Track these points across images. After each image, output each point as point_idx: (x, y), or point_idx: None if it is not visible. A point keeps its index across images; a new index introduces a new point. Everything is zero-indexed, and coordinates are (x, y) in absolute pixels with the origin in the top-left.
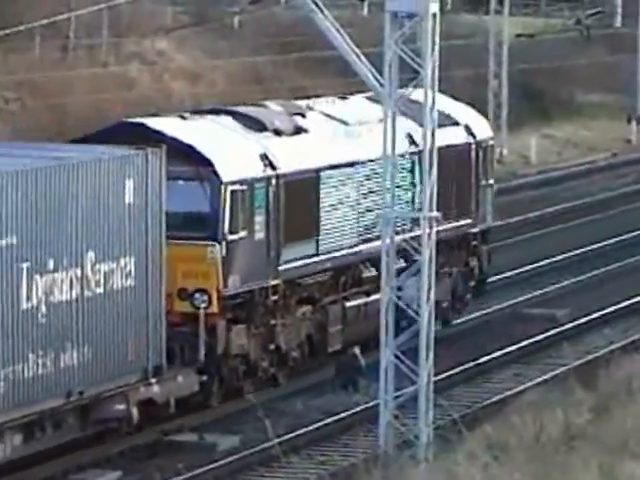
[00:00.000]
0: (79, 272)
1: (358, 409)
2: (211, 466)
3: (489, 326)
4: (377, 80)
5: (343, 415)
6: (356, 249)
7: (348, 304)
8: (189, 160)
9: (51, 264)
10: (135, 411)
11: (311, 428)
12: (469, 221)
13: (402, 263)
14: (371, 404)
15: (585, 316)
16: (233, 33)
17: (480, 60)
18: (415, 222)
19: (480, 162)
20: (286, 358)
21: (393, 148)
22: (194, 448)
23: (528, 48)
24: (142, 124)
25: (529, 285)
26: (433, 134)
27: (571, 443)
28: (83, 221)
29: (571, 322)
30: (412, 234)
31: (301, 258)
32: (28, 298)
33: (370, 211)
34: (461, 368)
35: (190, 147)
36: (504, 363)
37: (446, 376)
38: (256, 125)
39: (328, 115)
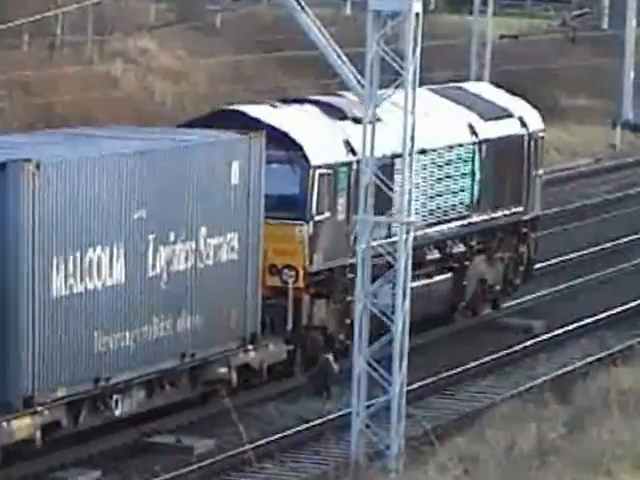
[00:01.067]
0: (194, 245)
1: (331, 416)
2: (187, 469)
3: (464, 336)
4: (358, 81)
5: (316, 422)
6: (422, 232)
7: (413, 284)
8: (282, 145)
9: (172, 237)
10: (235, 375)
11: (284, 434)
12: (520, 209)
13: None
14: (343, 412)
15: (561, 327)
16: (216, 31)
17: (463, 61)
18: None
19: (532, 153)
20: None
21: (372, 150)
22: (171, 450)
23: (512, 49)
24: (240, 111)
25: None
26: (412, 139)
27: (544, 458)
28: (198, 198)
29: (547, 333)
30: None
31: (375, 239)
32: (153, 267)
33: (436, 196)
34: (435, 378)
35: (283, 133)
36: (478, 374)
37: (419, 386)
38: (338, 113)
39: (397, 105)
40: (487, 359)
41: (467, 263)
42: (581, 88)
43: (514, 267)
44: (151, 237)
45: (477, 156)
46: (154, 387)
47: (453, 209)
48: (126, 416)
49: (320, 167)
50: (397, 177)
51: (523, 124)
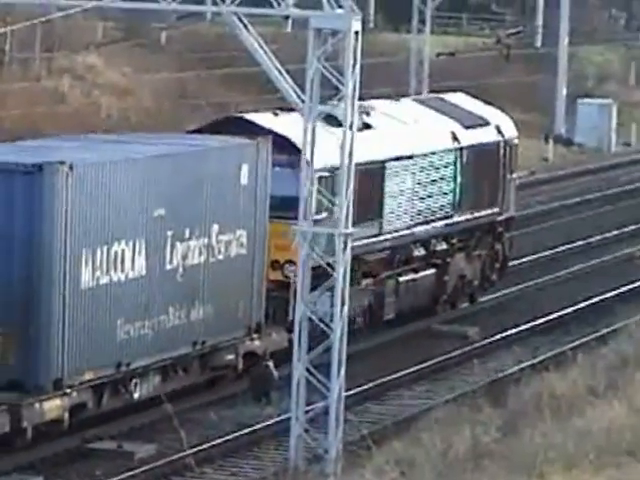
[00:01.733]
0: (207, 241)
1: (270, 422)
2: (128, 474)
3: (401, 342)
4: (298, 96)
5: (255, 427)
6: (409, 231)
7: (401, 279)
8: (284, 150)
9: (187, 233)
10: (241, 361)
11: (224, 439)
12: (496, 210)
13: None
14: (283, 417)
15: (495, 334)
16: (161, 48)
17: (401, 78)
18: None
19: (507, 158)
20: (352, 323)
21: (311, 162)
22: (113, 456)
23: (449, 66)
24: (245, 119)
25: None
26: (351, 153)
27: (478, 461)
28: (211, 198)
29: (481, 340)
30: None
31: (367, 237)
32: (170, 261)
33: (422, 198)
34: (372, 384)
35: (285, 138)
36: (414, 380)
37: (357, 392)
38: (333, 121)
39: (387, 114)
40: (423, 365)
41: (449, 260)
42: (515, 104)
43: (490, 264)
44: (169, 233)
45: (458, 161)
46: (168, 372)
47: (437, 210)
48: (144, 399)
49: (319, 170)
50: (387, 180)
51: (499, 132)
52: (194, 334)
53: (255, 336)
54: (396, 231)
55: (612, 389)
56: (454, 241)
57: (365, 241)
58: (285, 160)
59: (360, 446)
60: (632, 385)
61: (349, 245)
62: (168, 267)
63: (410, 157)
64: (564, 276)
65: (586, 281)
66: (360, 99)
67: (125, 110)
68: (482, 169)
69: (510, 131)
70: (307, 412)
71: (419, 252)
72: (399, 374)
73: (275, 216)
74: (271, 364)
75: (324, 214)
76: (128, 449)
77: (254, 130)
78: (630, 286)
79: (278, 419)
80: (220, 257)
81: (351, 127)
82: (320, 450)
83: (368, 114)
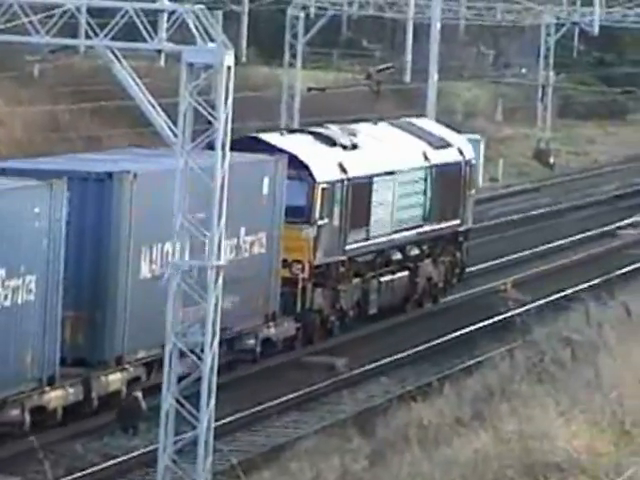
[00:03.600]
0: (236, 241)
1: (137, 453)
2: None
3: (270, 373)
4: (172, 130)
5: (122, 458)
6: (389, 237)
7: (382, 279)
8: (293, 165)
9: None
10: (259, 346)
11: (90, 470)
12: (458, 222)
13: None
14: (151, 448)
15: (363, 366)
16: (34, 81)
17: (273, 112)
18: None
19: (467, 176)
20: (345, 315)
21: (184, 200)
22: None
23: (320, 101)
24: (258, 138)
25: None
26: (222, 187)
27: None
28: (240, 204)
29: (349, 371)
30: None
31: (358, 241)
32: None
33: (399, 209)
34: (242, 414)
35: (294, 156)
36: (284, 410)
37: (227, 422)
38: (329, 141)
39: (370, 135)
40: (292, 396)
41: (419, 264)
42: None
43: (452, 269)
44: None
45: (428, 178)
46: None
47: (411, 220)
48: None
49: (322, 183)
50: (373, 192)
51: (460, 152)
52: (224, 321)
53: (271, 324)
54: (380, 237)
55: (478, 419)
56: (424, 248)
57: (356, 245)
58: (294, 174)
59: (230, 476)
60: (497, 415)
61: (220, 277)
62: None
63: (392, 173)
64: (429, 309)
65: (453, 314)
66: (232, 133)
67: None
68: (447, 185)
69: (469, 153)
70: (176, 442)
71: (396, 256)
72: (268, 404)
73: (285, 221)
74: (140, 395)
75: (326, 220)
76: None
77: (266, 148)
78: (495, 319)
79: (146, 450)
80: (245, 255)
81: (223, 161)
82: None
83: (355, 135)
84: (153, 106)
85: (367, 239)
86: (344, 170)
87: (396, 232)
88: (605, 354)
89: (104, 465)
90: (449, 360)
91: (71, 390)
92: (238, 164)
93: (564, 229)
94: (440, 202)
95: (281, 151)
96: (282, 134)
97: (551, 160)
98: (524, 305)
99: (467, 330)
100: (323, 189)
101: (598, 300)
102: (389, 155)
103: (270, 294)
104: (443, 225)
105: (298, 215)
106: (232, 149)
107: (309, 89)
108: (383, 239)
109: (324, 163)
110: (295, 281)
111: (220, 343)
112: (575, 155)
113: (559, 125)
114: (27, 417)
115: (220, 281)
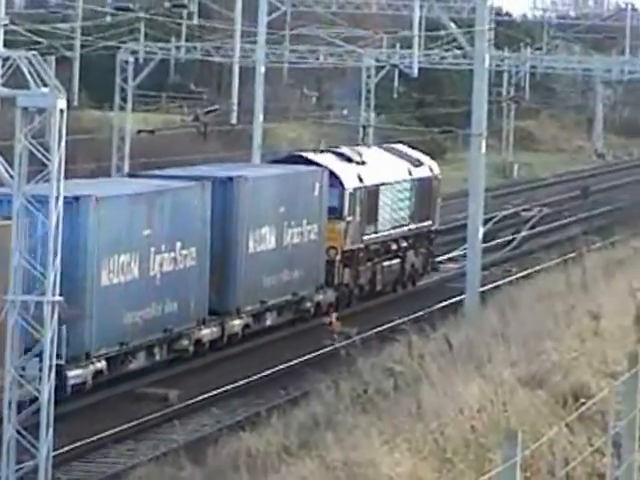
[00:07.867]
0: (300, 229)
1: None
2: None
3: (105, 406)
4: (8, 172)
5: None
6: (389, 232)
7: (384, 264)
8: (328, 176)
9: (293, 223)
10: (313, 308)
11: None
12: (430, 222)
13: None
14: None
15: (196, 396)
16: None
17: (104, 154)
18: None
19: (436, 188)
20: (363, 289)
21: (21, 239)
22: None
23: (149, 143)
24: (301, 155)
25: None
26: (57, 225)
27: None
28: (303, 202)
29: (181, 402)
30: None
31: (370, 234)
32: (285, 240)
33: (395, 211)
34: (79, 444)
35: (329, 169)
36: (119, 439)
37: (65, 451)
38: (347, 158)
39: (370, 155)
40: (127, 426)
41: (407, 253)
42: None
43: (426, 260)
44: (285, 223)
45: (413, 188)
46: (277, 310)
47: (402, 219)
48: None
49: (349, 189)
50: (380, 197)
51: (430, 170)
52: (294, 287)
53: (320, 291)
54: (384, 231)
55: (305, 448)
56: (410, 241)
57: (369, 236)
58: (330, 182)
59: None
60: (323, 443)
61: (56, 312)
62: (284, 244)
63: (391, 183)
64: (258, 341)
65: (280, 346)
66: (65, 175)
67: None
68: (423, 194)
69: (437, 170)
70: (17, 471)
71: (393, 247)
72: (105, 434)
73: None
74: None
75: (351, 217)
76: None
77: (307, 163)
78: (321, 351)
79: None
80: (305, 240)
81: (57, 202)
82: None
83: (361, 155)
84: None
85: (376, 232)
86: (361, 180)
87: (393, 228)
88: (427, 385)
89: None
90: (275, 392)
91: (215, 329)
92: (302, 172)
93: None
94: (420, 207)
95: (319, 165)
96: (315, 152)
97: None
98: (349, 337)
99: (294, 362)
100: (350, 194)
101: (420, 332)
102: (387, 170)
103: (319, 269)
104: (421, 225)
105: (333, 213)
106: (283, 162)
107: (139, 131)
108: (385, 233)
109: (348, 174)
110: (332, 262)
111: (290, 304)
112: None
113: None
114: (191, 347)
115: (56, 317)
